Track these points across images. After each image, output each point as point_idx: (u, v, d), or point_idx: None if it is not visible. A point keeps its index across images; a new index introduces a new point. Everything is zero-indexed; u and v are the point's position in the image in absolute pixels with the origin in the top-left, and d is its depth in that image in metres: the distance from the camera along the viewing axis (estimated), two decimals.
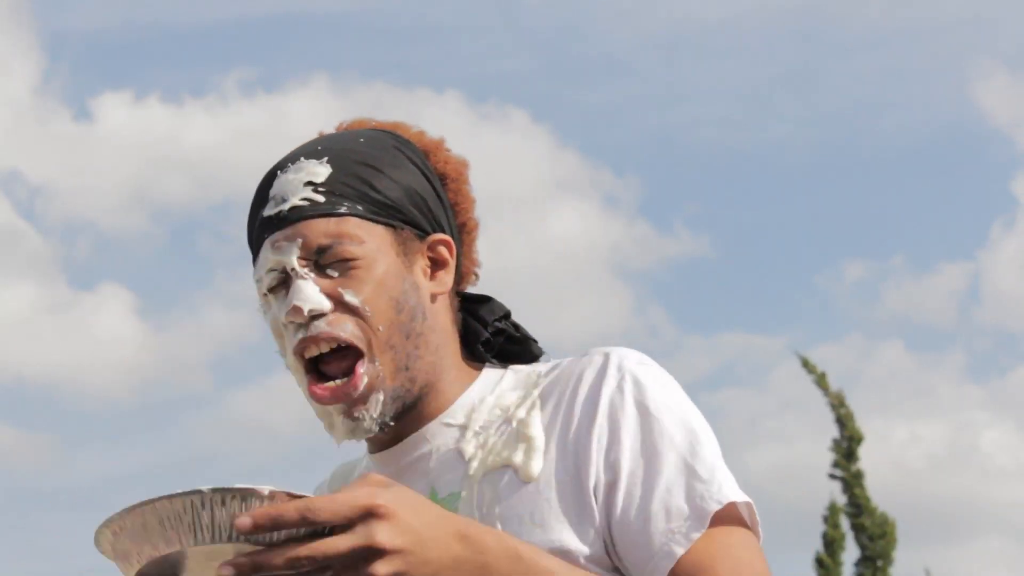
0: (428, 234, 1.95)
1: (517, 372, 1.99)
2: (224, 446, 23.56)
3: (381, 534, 1.60)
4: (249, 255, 1.98)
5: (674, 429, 1.86)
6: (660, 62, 24.61)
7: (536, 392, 1.93)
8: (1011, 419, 26.18)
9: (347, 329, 1.88)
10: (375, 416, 1.90)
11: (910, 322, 26.07)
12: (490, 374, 1.99)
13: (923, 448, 24.59)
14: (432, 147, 2.00)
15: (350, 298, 1.88)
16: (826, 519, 20.09)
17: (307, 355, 1.90)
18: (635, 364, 1.91)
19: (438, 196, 1.96)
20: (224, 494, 1.58)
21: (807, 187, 24.98)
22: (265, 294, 1.93)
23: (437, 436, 1.94)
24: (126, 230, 23.43)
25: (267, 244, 1.91)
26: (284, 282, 1.91)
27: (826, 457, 20.35)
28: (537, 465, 1.87)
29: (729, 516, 1.84)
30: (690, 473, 1.84)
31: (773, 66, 25.32)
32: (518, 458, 1.88)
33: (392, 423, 1.92)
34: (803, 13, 25.04)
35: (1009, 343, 26.91)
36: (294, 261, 1.88)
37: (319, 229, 1.89)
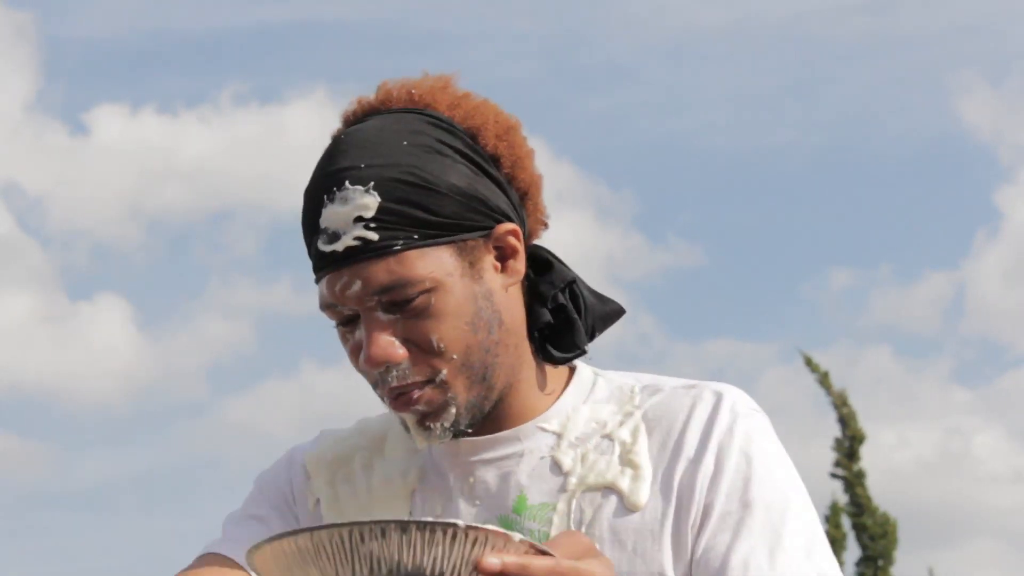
0: (491, 229, 1.86)
1: (609, 381, 1.95)
2: (219, 453, 23.59)
3: None
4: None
5: (770, 490, 1.84)
6: (654, 72, 24.70)
7: (638, 414, 1.90)
8: (1001, 425, 26.39)
9: (424, 372, 1.83)
10: (447, 427, 1.84)
11: (897, 330, 26.30)
12: (582, 379, 1.95)
13: (913, 453, 24.75)
14: (479, 125, 1.89)
15: (424, 340, 1.82)
16: (827, 519, 20.15)
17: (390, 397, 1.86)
18: (748, 411, 1.89)
19: (495, 181, 1.88)
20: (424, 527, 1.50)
21: (796, 196, 25.15)
22: (335, 326, 1.88)
23: (531, 439, 1.90)
24: (123, 241, 23.45)
25: (326, 283, 1.84)
26: (353, 319, 1.85)
27: (822, 458, 20.43)
28: (644, 495, 1.84)
29: None
30: (776, 540, 1.82)
31: (765, 77, 25.47)
32: (624, 484, 1.85)
33: (469, 430, 1.87)
34: (792, 27, 25.19)
35: (994, 351, 27.15)
36: (357, 305, 1.83)
37: (378, 271, 1.80)
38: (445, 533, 1.48)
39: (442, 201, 1.82)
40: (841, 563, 20.05)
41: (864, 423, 20.39)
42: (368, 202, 1.80)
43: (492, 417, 1.89)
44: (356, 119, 1.91)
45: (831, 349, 26.31)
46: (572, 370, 1.96)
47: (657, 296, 24.74)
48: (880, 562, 20.01)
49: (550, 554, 1.51)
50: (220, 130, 24.31)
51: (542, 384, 1.92)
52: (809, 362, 20.40)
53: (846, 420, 20.24)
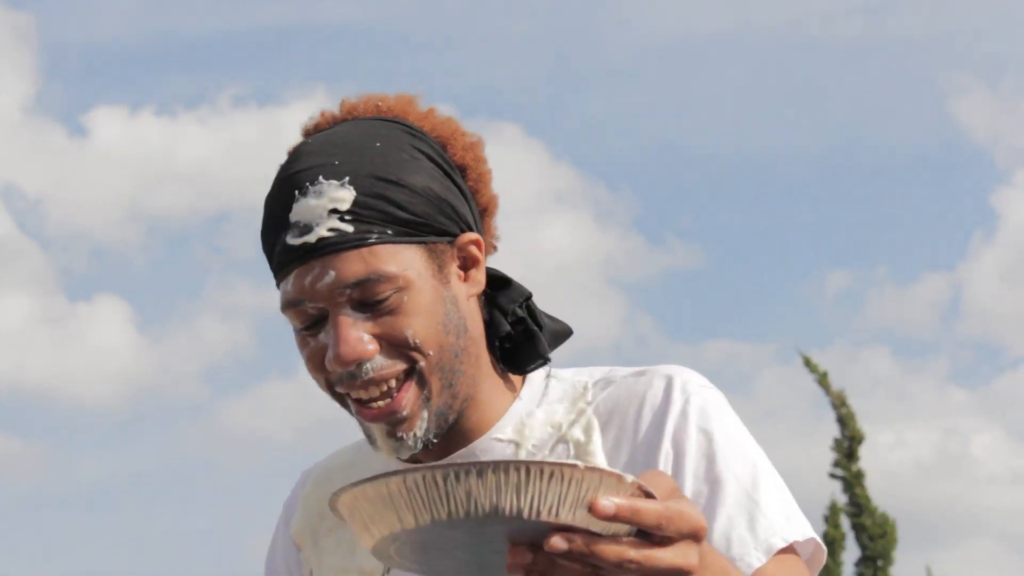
0: (456, 236, 1.86)
1: (561, 380, 1.94)
2: (218, 454, 23.65)
3: (695, 558, 1.51)
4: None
5: (737, 461, 1.84)
6: (653, 75, 24.77)
7: (589, 410, 1.89)
8: (999, 426, 26.45)
9: (397, 366, 1.81)
10: (419, 436, 1.82)
11: (894, 331, 26.39)
12: (534, 384, 1.94)
13: (911, 453, 24.80)
14: (447, 135, 1.90)
15: (397, 336, 1.80)
16: (826, 519, 20.17)
17: (355, 396, 1.82)
18: (699, 387, 1.88)
19: (460, 190, 1.88)
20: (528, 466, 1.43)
21: (794, 198, 25.26)
22: (299, 330, 1.84)
23: (488, 452, 1.88)
24: (122, 242, 23.52)
25: (295, 277, 1.81)
26: (318, 321, 1.82)
27: (822, 459, 20.44)
28: None
29: (790, 554, 1.82)
30: (753, 507, 1.81)
31: (763, 80, 25.57)
32: None
33: (435, 440, 1.84)
34: (789, 30, 25.29)
35: (991, 352, 27.24)
36: (326, 301, 1.80)
37: (352, 263, 1.79)
38: (563, 474, 1.43)
39: (415, 200, 1.82)
40: (840, 563, 20.12)
41: (862, 423, 20.42)
42: (343, 195, 1.79)
43: (454, 432, 1.87)
44: (319, 131, 1.91)
45: (829, 350, 26.40)
46: (524, 376, 1.95)
47: (656, 297, 24.87)
48: (879, 562, 20.01)
49: (654, 496, 1.47)
50: (219, 132, 24.40)
51: (499, 395, 1.91)
52: (808, 362, 20.40)
53: (845, 420, 20.23)
